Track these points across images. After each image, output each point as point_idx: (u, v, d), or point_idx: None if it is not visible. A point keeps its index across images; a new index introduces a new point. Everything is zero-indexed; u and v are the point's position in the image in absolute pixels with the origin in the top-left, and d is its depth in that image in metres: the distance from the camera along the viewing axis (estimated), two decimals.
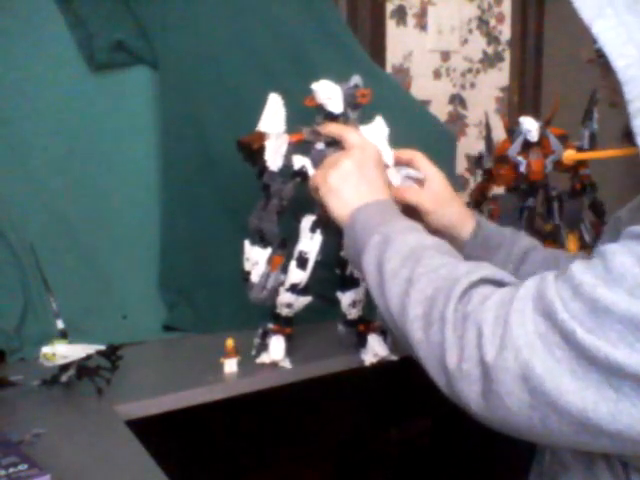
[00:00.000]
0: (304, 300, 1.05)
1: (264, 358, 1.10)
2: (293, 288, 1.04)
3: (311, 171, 0.99)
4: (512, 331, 0.59)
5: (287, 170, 1.01)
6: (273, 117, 0.98)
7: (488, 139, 1.37)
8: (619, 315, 0.54)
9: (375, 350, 1.10)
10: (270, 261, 1.03)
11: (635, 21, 0.61)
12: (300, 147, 1.02)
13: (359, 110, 1.01)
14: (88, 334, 1.09)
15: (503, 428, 0.62)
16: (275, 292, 1.04)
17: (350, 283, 1.08)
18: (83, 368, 0.99)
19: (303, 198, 1.00)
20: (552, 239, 1.31)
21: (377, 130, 1.01)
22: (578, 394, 0.56)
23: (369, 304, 1.06)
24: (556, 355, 0.56)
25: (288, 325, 1.10)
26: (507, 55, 2.09)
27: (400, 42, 1.86)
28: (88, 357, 0.98)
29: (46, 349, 0.98)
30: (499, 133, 1.39)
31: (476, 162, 1.40)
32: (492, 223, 1.00)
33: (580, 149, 1.27)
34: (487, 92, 2.07)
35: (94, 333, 1.13)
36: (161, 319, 1.29)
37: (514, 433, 0.62)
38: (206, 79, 1.30)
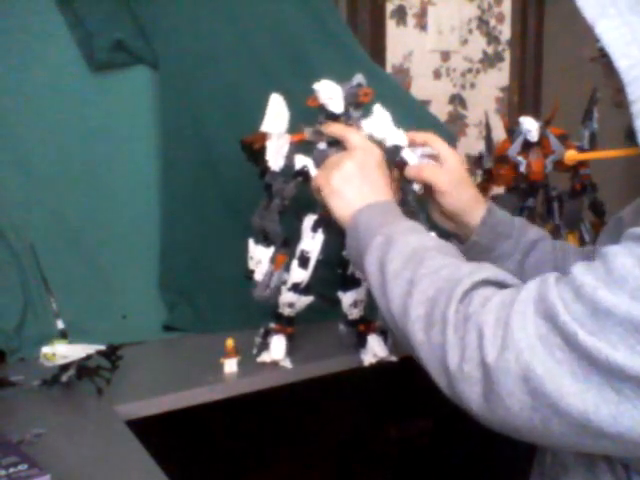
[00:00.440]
0: (306, 300, 1.06)
1: (265, 357, 1.10)
2: (295, 287, 1.04)
3: (313, 171, 0.99)
4: (513, 333, 0.59)
5: (289, 170, 1.01)
6: (275, 117, 0.98)
7: (488, 139, 1.37)
8: (620, 317, 0.54)
9: (375, 351, 1.10)
10: (273, 260, 1.03)
11: (639, 21, 0.61)
12: (302, 147, 1.02)
13: (361, 109, 1.01)
14: (88, 334, 1.09)
15: (504, 429, 0.62)
16: (278, 291, 1.04)
17: (351, 283, 1.08)
18: (83, 368, 0.99)
19: (305, 198, 1.00)
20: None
21: (380, 117, 1.00)
22: (579, 396, 0.55)
23: (370, 304, 1.06)
24: (557, 357, 0.56)
25: (290, 325, 1.10)
26: (507, 55, 2.08)
27: (400, 42, 1.86)
28: (88, 357, 0.98)
29: (46, 349, 0.98)
30: (499, 133, 1.39)
31: (476, 162, 1.40)
32: (503, 211, 0.99)
33: (580, 149, 1.27)
34: (487, 92, 2.07)
35: (94, 333, 1.13)
36: (161, 319, 1.29)
37: (515, 434, 0.62)
38: (206, 79, 1.30)
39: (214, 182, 1.30)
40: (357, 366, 1.13)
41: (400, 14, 1.85)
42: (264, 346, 1.10)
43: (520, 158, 1.24)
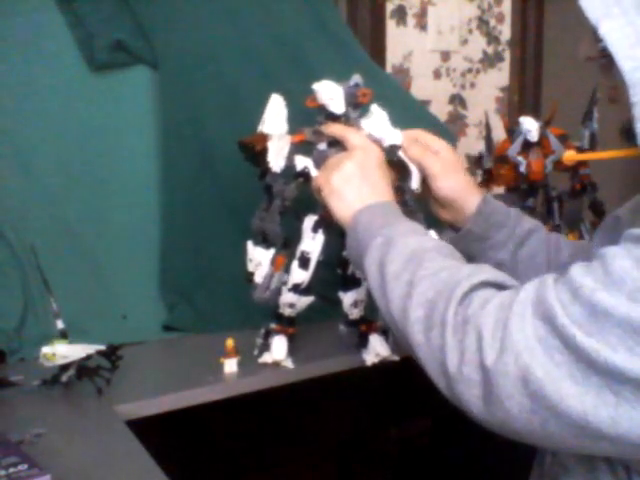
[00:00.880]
0: (306, 300, 1.06)
1: (266, 358, 1.10)
2: (295, 288, 1.04)
3: (313, 172, 0.99)
4: (512, 335, 0.59)
5: (289, 171, 1.01)
6: (275, 118, 0.98)
7: (488, 139, 1.37)
8: (618, 319, 0.54)
9: (377, 350, 1.10)
10: (273, 261, 1.03)
11: None
12: (302, 147, 1.02)
13: (360, 109, 1.01)
14: (88, 334, 1.09)
15: (503, 431, 0.62)
16: (278, 292, 1.04)
17: (352, 283, 1.08)
18: (83, 368, 0.99)
19: (305, 198, 1.00)
20: None
21: (377, 117, 1.01)
22: (578, 398, 0.55)
23: (371, 304, 1.06)
24: (556, 359, 0.56)
25: (291, 325, 1.10)
26: (507, 55, 2.08)
27: (400, 42, 1.86)
28: (88, 357, 0.98)
29: (46, 349, 0.98)
30: (499, 133, 1.39)
31: (476, 162, 1.40)
32: (498, 201, 1.00)
33: (580, 149, 1.27)
34: (487, 92, 2.07)
35: (94, 333, 1.13)
36: (161, 319, 1.29)
37: (514, 436, 0.62)
38: (206, 79, 1.30)
39: (214, 182, 1.30)
40: (358, 366, 1.13)
41: (400, 14, 1.85)
42: (265, 347, 1.10)
43: (520, 158, 1.24)
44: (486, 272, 0.68)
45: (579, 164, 1.28)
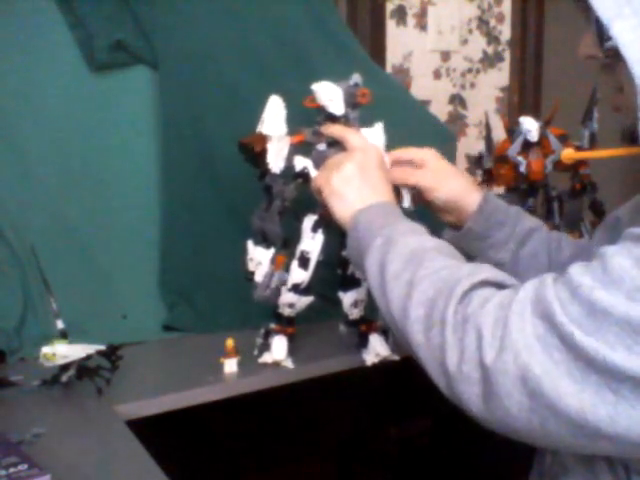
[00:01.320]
0: (306, 300, 1.06)
1: (266, 358, 1.10)
2: (295, 288, 1.04)
3: (313, 172, 0.99)
4: (511, 334, 0.59)
5: (288, 171, 1.01)
6: (274, 119, 0.99)
7: (488, 139, 1.37)
8: (617, 318, 0.54)
9: (377, 350, 1.10)
10: (273, 261, 1.03)
11: None
12: (301, 148, 1.02)
13: (358, 109, 1.01)
14: (88, 334, 1.09)
15: (503, 430, 0.62)
16: (278, 291, 1.04)
17: (351, 283, 1.08)
18: (83, 368, 0.99)
19: (304, 198, 1.00)
20: None
21: (374, 137, 1.01)
22: (576, 397, 0.55)
23: (371, 304, 1.06)
24: (554, 357, 0.56)
25: (290, 325, 1.10)
26: (507, 55, 2.08)
27: (400, 42, 1.85)
28: (88, 357, 0.98)
29: (46, 349, 0.98)
30: (499, 133, 1.39)
31: (476, 162, 1.40)
32: (499, 200, 1.00)
33: (580, 149, 1.27)
34: (487, 92, 2.06)
35: (94, 333, 1.13)
36: (161, 319, 1.29)
37: (514, 435, 0.62)
38: (206, 79, 1.30)
39: (214, 182, 1.30)
40: (358, 366, 1.13)
41: (400, 14, 1.85)
42: (265, 347, 1.10)
43: (520, 158, 1.24)
44: (486, 271, 0.69)
45: (579, 164, 1.28)
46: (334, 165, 0.89)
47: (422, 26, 1.89)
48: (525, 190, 1.30)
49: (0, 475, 0.71)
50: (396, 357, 1.11)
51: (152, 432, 0.90)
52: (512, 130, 1.28)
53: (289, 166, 1.01)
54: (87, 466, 0.80)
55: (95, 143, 1.27)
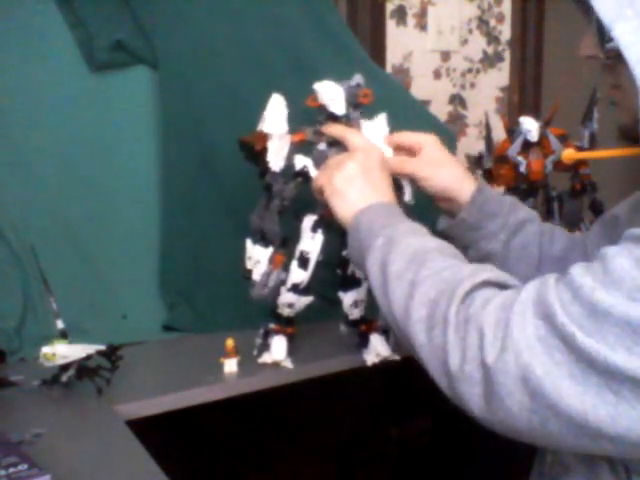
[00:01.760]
0: (305, 300, 1.05)
1: (266, 358, 1.10)
2: (295, 288, 1.04)
3: (313, 171, 0.99)
4: (513, 334, 0.59)
5: (289, 170, 1.01)
6: (275, 118, 0.98)
7: (488, 139, 1.37)
8: (617, 318, 0.54)
9: (377, 350, 1.10)
10: (272, 259, 1.03)
11: None
12: (301, 147, 1.02)
13: (360, 110, 1.01)
14: (88, 334, 1.09)
15: (504, 430, 0.62)
16: (277, 290, 1.04)
17: (352, 283, 1.08)
18: (83, 368, 0.99)
19: (304, 198, 1.00)
20: None
21: (377, 128, 1.01)
22: (577, 397, 0.55)
23: (371, 304, 1.06)
24: (556, 358, 0.56)
25: (290, 325, 1.10)
26: (507, 55, 2.08)
27: (400, 42, 1.85)
28: (88, 357, 0.98)
29: (46, 349, 0.98)
30: (499, 133, 1.39)
31: (476, 162, 1.40)
32: (494, 190, 1.00)
33: (580, 149, 1.27)
34: (487, 92, 2.07)
35: (94, 333, 1.13)
36: (161, 319, 1.29)
37: (515, 436, 0.62)
38: (206, 79, 1.29)
39: (214, 182, 1.30)
40: (358, 366, 1.13)
41: (400, 14, 1.85)
42: (265, 347, 1.10)
43: (520, 158, 1.24)
44: (488, 271, 0.69)
45: (579, 164, 1.28)
46: (336, 165, 0.89)
47: (422, 26, 1.89)
48: (525, 190, 1.30)
49: (0, 475, 0.71)
50: (397, 357, 1.11)
51: (152, 432, 0.90)
52: (512, 130, 1.28)
53: (289, 165, 1.01)
54: (87, 466, 0.80)
55: (95, 143, 1.27)
